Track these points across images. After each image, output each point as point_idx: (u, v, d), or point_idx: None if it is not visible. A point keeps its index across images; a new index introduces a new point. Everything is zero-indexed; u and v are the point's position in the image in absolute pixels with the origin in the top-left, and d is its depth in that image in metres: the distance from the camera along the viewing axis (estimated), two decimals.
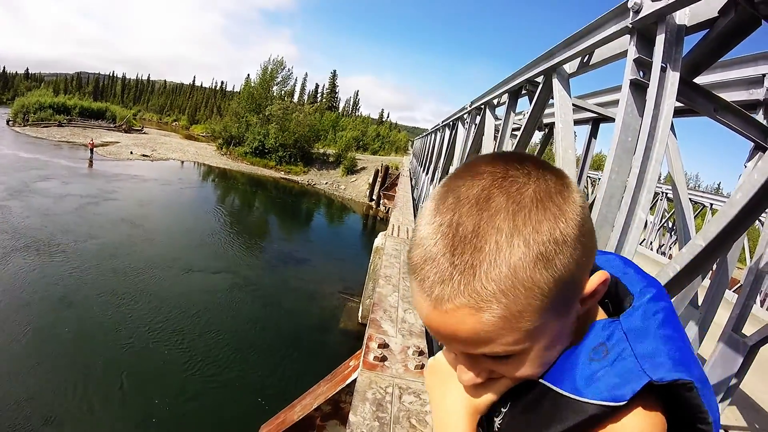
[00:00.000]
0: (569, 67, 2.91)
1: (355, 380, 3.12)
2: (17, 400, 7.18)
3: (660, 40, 1.73)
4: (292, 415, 4.07)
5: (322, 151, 44.63)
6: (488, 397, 0.60)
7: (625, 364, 0.48)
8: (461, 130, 7.16)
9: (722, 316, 2.65)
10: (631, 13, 1.87)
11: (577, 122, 4.29)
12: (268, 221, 25.91)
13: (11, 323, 9.28)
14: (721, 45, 1.77)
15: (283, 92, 49.24)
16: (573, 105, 3.08)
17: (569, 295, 0.49)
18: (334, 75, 78.77)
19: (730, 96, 2.29)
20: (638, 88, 1.86)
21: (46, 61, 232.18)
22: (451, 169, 7.25)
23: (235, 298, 12.68)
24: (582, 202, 0.50)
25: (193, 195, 26.81)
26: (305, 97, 78.34)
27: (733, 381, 2.61)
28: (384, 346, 3.58)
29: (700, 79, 2.16)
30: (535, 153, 5.31)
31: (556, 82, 2.87)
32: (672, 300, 0.58)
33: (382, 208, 31.11)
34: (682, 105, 2.00)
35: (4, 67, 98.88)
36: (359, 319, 11.63)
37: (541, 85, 3.24)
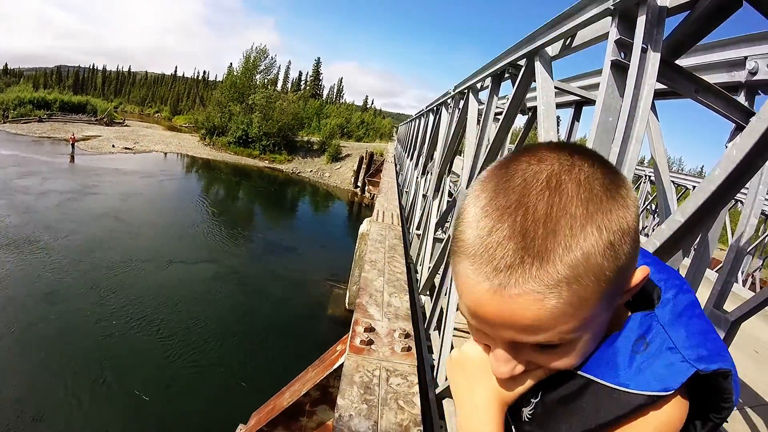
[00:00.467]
0: (552, 50, 2.90)
1: (342, 365, 3.14)
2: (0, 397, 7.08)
3: (641, 21, 1.73)
4: (282, 401, 4.09)
5: (306, 139, 44.38)
6: (520, 389, 0.58)
7: (668, 355, 0.50)
8: (445, 115, 7.14)
9: (704, 294, 2.72)
10: None
11: (560, 105, 4.31)
12: (252, 211, 25.76)
13: None
14: (703, 26, 1.76)
15: (266, 81, 48.53)
16: (556, 88, 3.08)
17: (622, 285, 0.50)
18: (317, 62, 78.12)
19: (712, 78, 2.30)
20: (619, 69, 1.86)
21: (25, 55, 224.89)
22: (437, 154, 7.25)
23: (221, 288, 12.63)
24: (635, 195, 0.51)
25: (177, 187, 26.43)
26: (289, 85, 77.68)
27: None
28: (370, 329, 3.61)
29: (683, 62, 2.18)
30: (519, 136, 5.33)
31: (538, 65, 2.86)
32: None
33: (367, 194, 31.23)
34: (664, 87, 2.01)
35: None
36: (346, 305, 11.73)
37: (523, 68, 3.23)
